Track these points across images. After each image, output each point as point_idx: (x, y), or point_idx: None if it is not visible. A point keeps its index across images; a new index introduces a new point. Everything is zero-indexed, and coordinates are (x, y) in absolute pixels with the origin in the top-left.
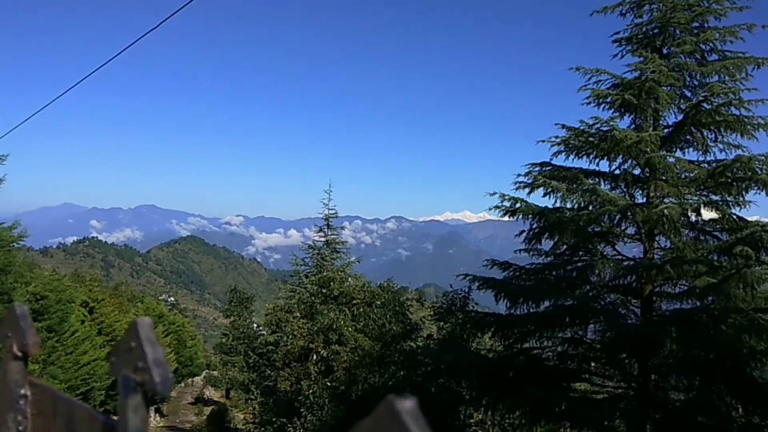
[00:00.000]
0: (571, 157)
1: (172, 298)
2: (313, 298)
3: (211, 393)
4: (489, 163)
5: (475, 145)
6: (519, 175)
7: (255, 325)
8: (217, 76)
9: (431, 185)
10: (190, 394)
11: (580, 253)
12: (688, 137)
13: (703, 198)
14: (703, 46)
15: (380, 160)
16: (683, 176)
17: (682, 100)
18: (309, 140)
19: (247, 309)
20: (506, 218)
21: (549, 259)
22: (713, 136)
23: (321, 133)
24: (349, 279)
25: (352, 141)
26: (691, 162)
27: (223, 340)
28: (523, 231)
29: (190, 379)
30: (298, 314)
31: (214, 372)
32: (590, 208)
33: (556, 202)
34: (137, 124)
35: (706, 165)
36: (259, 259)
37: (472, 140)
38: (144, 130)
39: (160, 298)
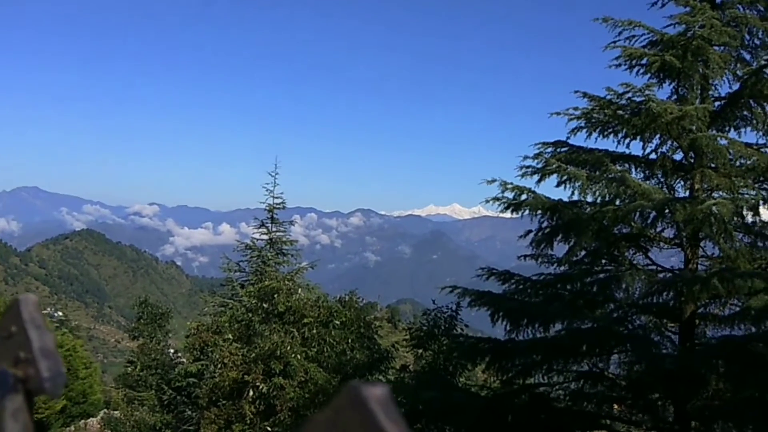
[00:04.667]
0: (594, 135)
1: (60, 313)
2: (250, 314)
3: None
4: (488, 143)
5: (470, 122)
6: (526, 157)
7: (172, 350)
8: (124, 27)
9: (410, 170)
10: None
11: (603, 261)
12: (745, 113)
13: (763, 192)
14: None
15: (343, 137)
16: (738, 164)
17: (738, 65)
18: (249, 110)
19: (161, 328)
20: (508, 214)
21: (563, 268)
22: None
23: (265, 101)
24: (300, 291)
25: (306, 113)
26: (748, 146)
27: (129, 369)
28: (529, 231)
29: (82, 421)
30: (230, 336)
31: (116, 412)
32: (617, 202)
33: (573, 193)
34: (13, 83)
35: (767, 150)
36: (179, 263)
37: (466, 115)
38: (24, 92)
39: (43, 312)
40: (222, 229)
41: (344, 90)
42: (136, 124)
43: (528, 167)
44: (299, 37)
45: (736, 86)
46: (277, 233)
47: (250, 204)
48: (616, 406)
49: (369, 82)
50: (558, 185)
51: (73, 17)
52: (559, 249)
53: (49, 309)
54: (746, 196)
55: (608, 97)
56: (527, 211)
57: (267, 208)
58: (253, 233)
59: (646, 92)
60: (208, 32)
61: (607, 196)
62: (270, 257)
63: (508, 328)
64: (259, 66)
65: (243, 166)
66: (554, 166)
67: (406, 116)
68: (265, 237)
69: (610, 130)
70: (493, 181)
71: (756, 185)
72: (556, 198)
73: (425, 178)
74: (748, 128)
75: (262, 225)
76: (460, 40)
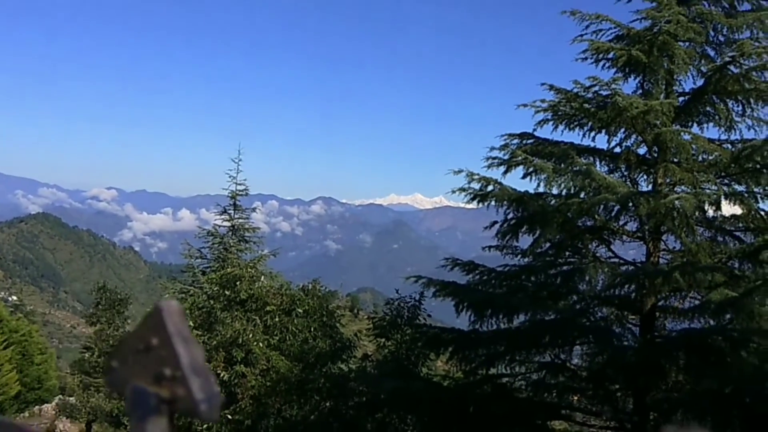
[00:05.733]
0: (561, 128)
1: (15, 297)
2: (212, 302)
3: (66, 426)
4: (451, 134)
5: (433, 112)
6: (493, 148)
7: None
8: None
9: (373, 159)
10: (38, 426)
11: (567, 253)
12: (708, 109)
13: (725, 188)
14: None
15: (306, 124)
16: (700, 159)
17: (703, 61)
18: (208, 93)
19: (120, 314)
20: (470, 205)
21: (527, 259)
22: (740, 108)
23: (227, 84)
24: (262, 278)
25: (269, 99)
26: (711, 141)
27: (86, 355)
28: (495, 222)
29: (37, 407)
30: (190, 323)
31: (71, 398)
32: (582, 195)
33: (538, 185)
34: None
35: (729, 146)
36: (137, 248)
37: (430, 105)
38: None
39: None
40: (182, 214)
41: (307, 75)
42: (95, 107)
43: (494, 158)
44: (263, 16)
45: (700, 82)
46: (240, 220)
47: (210, 190)
48: (575, 397)
49: (332, 66)
50: (524, 177)
51: None
52: (524, 241)
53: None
54: (708, 191)
55: (575, 90)
56: (494, 202)
57: (230, 194)
58: (215, 220)
59: (613, 86)
60: (167, 9)
61: (573, 188)
62: (232, 244)
63: (472, 318)
64: (220, 47)
65: (203, 152)
66: (520, 158)
67: (369, 104)
68: (228, 224)
69: (576, 123)
70: (460, 171)
71: (718, 180)
72: (522, 190)
73: (387, 168)
74: (710, 124)
75: (225, 212)
76: (422, 29)
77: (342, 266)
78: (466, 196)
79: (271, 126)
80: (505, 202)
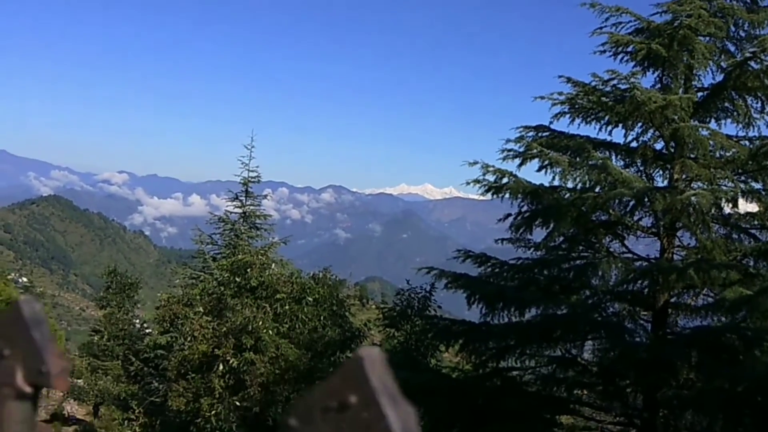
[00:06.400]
0: (577, 121)
1: (25, 279)
2: (222, 288)
3: (73, 408)
4: (465, 126)
5: (445, 103)
6: (508, 140)
7: (137, 321)
8: None
9: (384, 149)
10: (45, 409)
11: (580, 247)
12: (726, 105)
13: (742, 185)
14: None
15: (318, 113)
16: (718, 155)
17: (723, 56)
18: (220, 80)
19: (130, 299)
20: (480, 196)
21: (539, 253)
22: (760, 105)
23: (239, 73)
24: (273, 266)
25: (278, 85)
26: (729, 137)
27: (95, 338)
28: (509, 214)
29: (44, 390)
30: (200, 309)
31: (79, 380)
32: (597, 189)
33: (554, 179)
34: None
35: (747, 143)
36: (147, 233)
37: (442, 96)
38: None
39: (8, 277)
40: (192, 200)
41: (318, 63)
42: (108, 91)
43: (510, 151)
44: (274, 4)
45: (719, 77)
46: (251, 207)
47: (221, 176)
48: (584, 392)
49: (345, 57)
50: (539, 170)
51: None
52: (538, 234)
53: (13, 274)
54: (725, 187)
55: (593, 83)
56: (507, 195)
57: (242, 181)
58: (227, 206)
59: (632, 80)
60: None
61: (588, 182)
62: (243, 231)
63: (484, 311)
64: (231, 35)
65: (215, 138)
66: (536, 150)
67: (381, 94)
68: (239, 210)
69: (593, 117)
70: (475, 163)
71: (735, 177)
72: (536, 183)
73: (398, 157)
74: (728, 120)
75: (236, 198)
76: (434, 18)
77: (351, 255)
78: (480, 187)
79: (283, 113)
80: (519, 195)
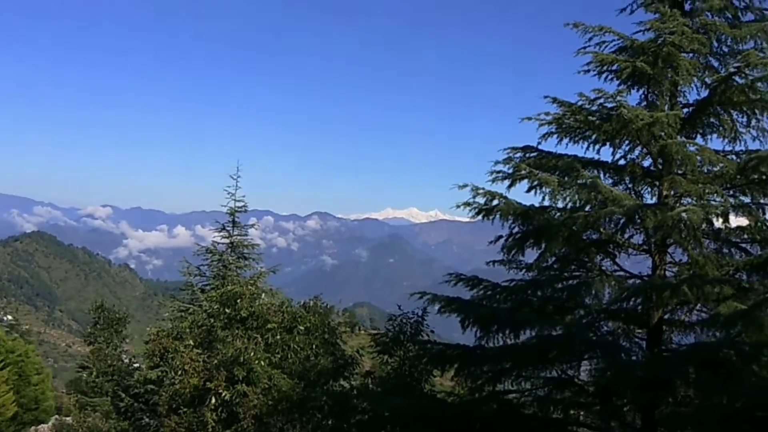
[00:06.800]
0: (565, 141)
1: (10, 316)
2: (212, 320)
3: None
4: (449, 149)
5: (428, 126)
6: (497, 162)
7: (126, 357)
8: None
9: (368, 174)
10: None
11: (572, 267)
12: (712, 120)
13: (731, 199)
14: (736, 2)
15: (301, 140)
16: (706, 170)
17: (707, 72)
18: (201, 111)
19: (118, 334)
20: (465, 218)
21: (531, 274)
22: (745, 119)
23: (216, 100)
24: (263, 295)
25: (263, 116)
26: (716, 152)
27: (84, 375)
28: (500, 236)
29: (33, 428)
30: (190, 342)
31: (68, 418)
32: (587, 208)
33: (543, 199)
34: None
35: (734, 157)
36: (132, 266)
37: (425, 119)
38: None
39: None
40: (177, 231)
41: (302, 92)
42: (89, 125)
43: (498, 172)
44: (257, 30)
45: (703, 93)
46: (239, 237)
47: (206, 206)
48: (581, 413)
49: (325, 81)
50: (528, 190)
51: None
52: (530, 255)
53: None
54: (714, 202)
55: (579, 102)
56: (498, 217)
57: (228, 211)
58: (214, 237)
59: (618, 98)
60: (169, 27)
61: (578, 201)
62: (231, 261)
63: (478, 334)
64: (213, 66)
65: (198, 169)
66: (525, 171)
67: (364, 119)
68: (226, 240)
69: (580, 136)
70: (465, 186)
71: (724, 192)
72: (526, 203)
73: (383, 182)
74: (714, 135)
75: (223, 228)
76: (416, 43)
77: (338, 281)
78: (470, 210)
79: (266, 141)
80: (510, 217)
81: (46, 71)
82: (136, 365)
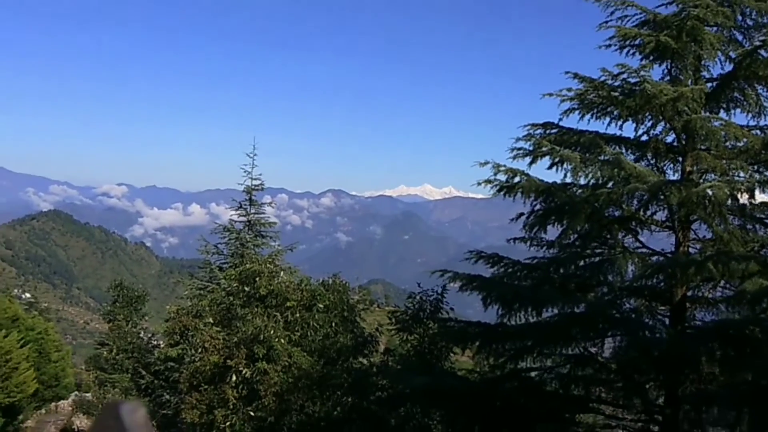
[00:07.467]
0: (587, 117)
1: (29, 294)
2: (231, 298)
3: (82, 422)
4: (463, 124)
5: (442, 102)
6: (518, 139)
7: (143, 334)
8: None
9: (382, 150)
10: (54, 423)
11: (594, 244)
12: (736, 95)
13: (757, 175)
14: None
15: (314, 116)
16: (730, 146)
17: (731, 46)
18: (215, 87)
19: (137, 312)
20: (480, 195)
21: (553, 251)
22: None
23: (233, 78)
24: (282, 273)
25: (276, 91)
26: (741, 127)
27: (104, 353)
28: (521, 213)
29: (53, 404)
30: (210, 320)
31: (87, 394)
32: (610, 185)
33: (565, 176)
34: None
35: (758, 132)
36: (148, 244)
37: (438, 95)
38: None
39: (12, 294)
40: (192, 209)
41: (315, 67)
42: (103, 104)
43: (520, 149)
44: (268, 10)
45: (727, 67)
46: (256, 215)
47: (220, 185)
48: (603, 390)
49: (340, 59)
50: (550, 167)
51: None
52: (552, 233)
53: (17, 290)
54: (739, 178)
55: (602, 78)
56: (520, 194)
57: (245, 189)
58: (231, 215)
59: (642, 73)
60: (176, 9)
61: (601, 178)
62: (249, 239)
63: (500, 312)
64: (224, 42)
65: (213, 147)
66: (546, 148)
67: (378, 96)
68: (243, 219)
69: (602, 112)
70: (486, 163)
71: (749, 167)
72: (551, 181)
73: (397, 158)
74: (738, 110)
75: (240, 206)
76: (430, 18)
77: (352, 258)
78: (492, 188)
79: (280, 119)
80: (532, 194)
81: (60, 46)
82: (155, 343)
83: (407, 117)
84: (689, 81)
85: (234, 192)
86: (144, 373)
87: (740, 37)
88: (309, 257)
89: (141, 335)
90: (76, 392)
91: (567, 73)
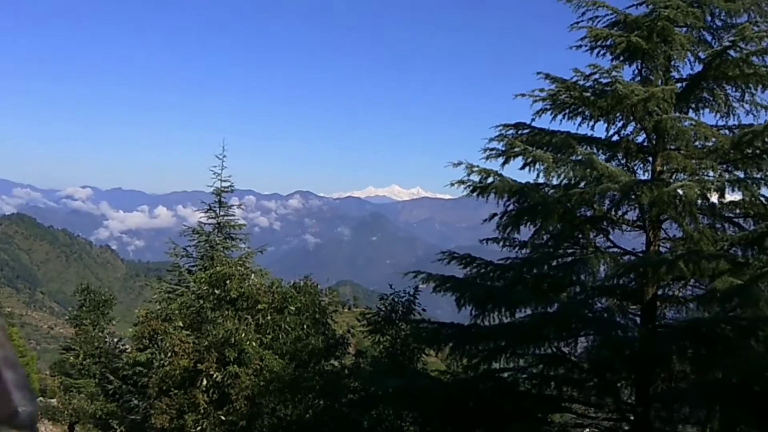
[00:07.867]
0: (559, 117)
1: None
2: (201, 301)
3: (47, 429)
4: (430, 124)
5: (409, 102)
6: (490, 139)
7: (109, 338)
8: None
9: (350, 151)
10: None
11: (566, 244)
12: (706, 95)
13: (726, 174)
14: None
15: (281, 117)
16: (699, 145)
17: (701, 46)
18: (180, 87)
19: (104, 316)
20: (447, 196)
21: (525, 251)
22: (739, 93)
23: (198, 78)
24: (252, 276)
25: (241, 91)
26: (710, 127)
27: (70, 357)
28: (494, 214)
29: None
30: (180, 324)
31: (52, 400)
32: (582, 185)
33: (538, 176)
34: None
35: (727, 131)
36: (113, 247)
37: (405, 96)
38: None
39: None
40: (158, 212)
41: (280, 66)
42: (68, 104)
43: (492, 149)
44: (235, 9)
45: (697, 68)
46: (225, 217)
47: (187, 186)
48: (574, 390)
49: (305, 57)
50: (522, 168)
51: None
52: (525, 233)
53: None
54: (709, 177)
55: (574, 78)
56: (493, 195)
57: (214, 191)
58: (200, 217)
59: (613, 73)
60: (137, 9)
61: (573, 178)
62: (218, 242)
63: (474, 313)
64: (189, 42)
65: (179, 148)
66: (519, 148)
67: (346, 97)
68: (213, 221)
69: (574, 112)
70: (460, 163)
71: (719, 166)
72: (523, 181)
73: (365, 159)
74: (707, 110)
75: (210, 209)
76: (400, 19)
77: (321, 260)
78: (465, 188)
79: (246, 120)
80: (505, 194)
81: (18, 46)
82: (122, 347)
83: (375, 118)
84: (659, 81)
85: (201, 194)
86: (112, 378)
87: (710, 38)
88: (277, 259)
89: (107, 340)
90: (41, 398)
91: (539, 73)
